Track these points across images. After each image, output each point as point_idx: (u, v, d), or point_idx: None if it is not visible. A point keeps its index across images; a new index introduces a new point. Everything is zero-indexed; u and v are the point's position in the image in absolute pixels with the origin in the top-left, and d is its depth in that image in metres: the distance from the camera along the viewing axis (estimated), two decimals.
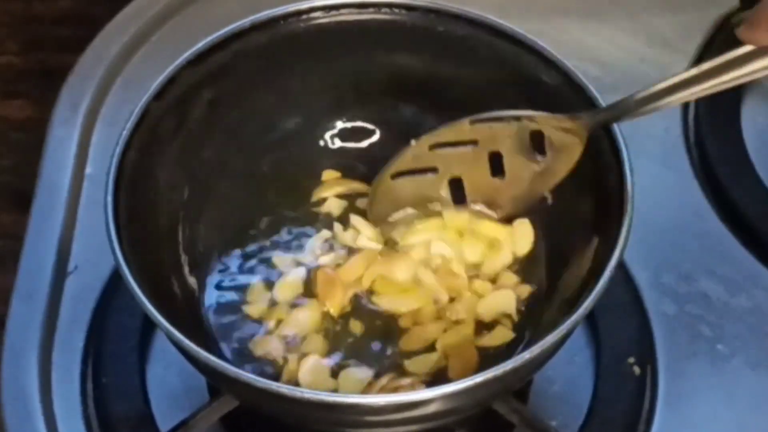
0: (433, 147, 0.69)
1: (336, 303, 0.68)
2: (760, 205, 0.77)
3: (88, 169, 0.82)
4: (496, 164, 0.69)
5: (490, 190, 0.70)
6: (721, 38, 0.87)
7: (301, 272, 0.69)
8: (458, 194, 0.70)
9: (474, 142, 0.69)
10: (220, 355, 0.66)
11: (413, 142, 0.69)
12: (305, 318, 0.68)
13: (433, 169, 0.70)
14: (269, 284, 0.69)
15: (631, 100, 0.64)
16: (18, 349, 0.72)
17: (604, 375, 0.71)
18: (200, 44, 0.68)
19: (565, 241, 0.68)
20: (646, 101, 0.63)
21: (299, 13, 0.70)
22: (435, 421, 0.61)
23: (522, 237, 0.70)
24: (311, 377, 0.65)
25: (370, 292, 0.69)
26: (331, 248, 0.71)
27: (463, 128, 0.68)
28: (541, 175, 0.68)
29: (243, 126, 0.71)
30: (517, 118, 0.67)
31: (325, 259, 0.70)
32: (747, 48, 0.61)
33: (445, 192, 0.70)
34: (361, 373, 0.66)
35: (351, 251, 0.70)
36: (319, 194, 0.73)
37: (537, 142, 0.67)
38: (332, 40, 0.71)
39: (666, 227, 0.78)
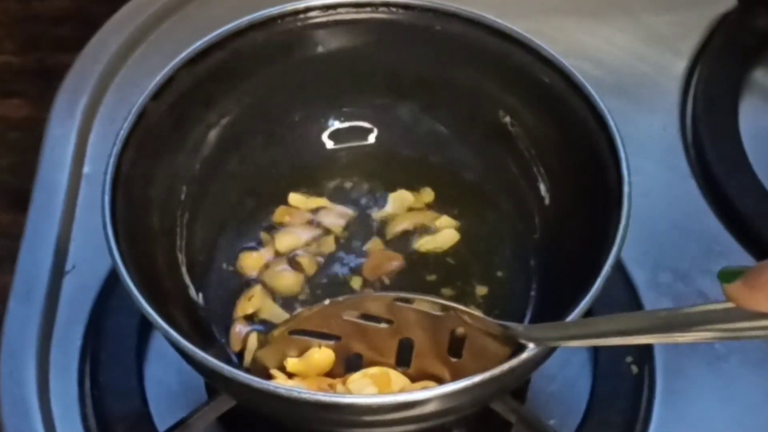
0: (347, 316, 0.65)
1: None
2: (757, 204, 0.77)
3: (85, 169, 0.82)
4: (405, 351, 0.65)
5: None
6: (718, 37, 0.87)
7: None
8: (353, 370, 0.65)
9: (389, 321, 0.64)
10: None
11: (327, 301, 0.65)
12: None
13: (336, 337, 0.65)
14: (266, 285, 0.70)
15: (572, 326, 0.58)
16: (16, 349, 0.72)
17: (601, 374, 0.71)
18: (198, 44, 0.68)
19: (561, 240, 0.68)
20: (589, 333, 0.58)
21: (296, 12, 0.70)
22: (432, 421, 0.61)
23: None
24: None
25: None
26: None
27: (383, 304, 0.64)
28: (451, 374, 0.63)
29: (240, 126, 0.71)
30: (446, 309, 0.63)
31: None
32: (724, 305, 0.50)
33: (340, 368, 0.65)
34: None
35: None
36: (280, 218, 0.72)
37: (455, 342, 0.63)
38: (330, 39, 0.71)
39: (663, 226, 0.78)
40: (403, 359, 0.65)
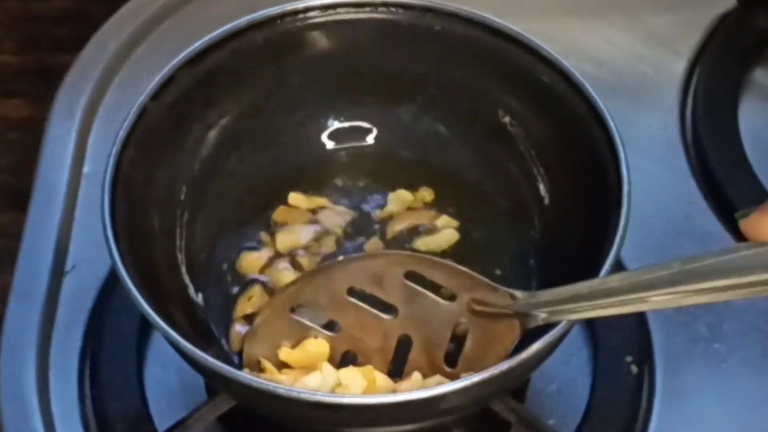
0: (352, 292, 0.64)
1: None
2: (757, 204, 0.77)
3: (85, 169, 0.82)
4: (399, 361, 0.63)
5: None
6: (718, 37, 0.87)
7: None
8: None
9: (395, 311, 0.64)
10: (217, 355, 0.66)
11: (341, 257, 0.65)
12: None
13: (335, 327, 0.64)
14: (266, 285, 0.70)
15: (580, 287, 0.57)
16: (15, 349, 0.72)
17: (601, 374, 0.71)
18: (197, 44, 0.68)
19: (561, 240, 0.68)
20: (600, 291, 0.56)
21: (296, 12, 0.70)
22: (432, 421, 0.61)
23: None
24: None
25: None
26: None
27: (395, 273, 0.63)
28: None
29: (240, 126, 0.71)
30: (452, 296, 0.62)
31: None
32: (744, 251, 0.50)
33: (332, 364, 0.63)
34: None
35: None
36: (280, 218, 0.72)
37: (453, 349, 0.62)
38: (329, 40, 0.71)
39: (663, 226, 0.78)
40: (396, 368, 0.63)
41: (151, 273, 0.64)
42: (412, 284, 0.64)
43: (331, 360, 0.64)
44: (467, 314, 0.63)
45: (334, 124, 0.74)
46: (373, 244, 0.71)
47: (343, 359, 0.65)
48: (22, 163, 0.85)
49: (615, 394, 0.70)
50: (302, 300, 0.65)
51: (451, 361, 0.63)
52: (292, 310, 0.66)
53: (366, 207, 0.73)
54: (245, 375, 0.58)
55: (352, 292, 0.65)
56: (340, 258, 0.65)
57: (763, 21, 0.87)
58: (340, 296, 0.64)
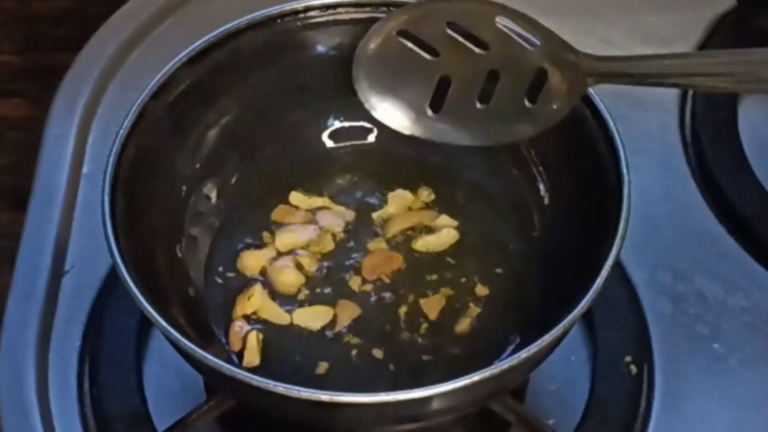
0: (451, 24, 0.68)
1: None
2: (756, 204, 0.77)
3: (84, 169, 0.82)
4: (487, 87, 0.68)
5: (471, 111, 0.68)
6: (717, 37, 0.87)
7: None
8: (438, 102, 0.69)
9: (486, 47, 0.67)
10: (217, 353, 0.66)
11: None
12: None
13: (435, 52, 0.68)
14: (266, 284, 0.70)
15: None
16: (15, 349, 0.72)
17: (600, 374, 0.71)
18: (197, 43, 0.69)
19: (561, 240, 0.68)
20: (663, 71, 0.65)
21: (296, 12, 0.70)
22: (432, 420, 0.61)
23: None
24: None
25: None
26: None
27: (488, 16, 0.67)
28: (525, 119, 0.68)
29: (240, 125, 0.71)
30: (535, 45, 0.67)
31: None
32: None
33: (429, 90, 0.69)
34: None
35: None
36: (279, 217, 0.72)
37: (534, 88, 0.67)
38: (329, 39, 0.71)
39: (663, 226, 0.78)
40: (481, 98, 0.68)
41: (151, 272, 0.64)
42: (501, 27, 0.67)
43: (428, 83, 0.68)
44: (549, 61, 0.67)
45: (335, 124, 0.74)
46: (374, 243, 0.71)
47: (439, 84, 0.68)
48: (21, 163, 0.85)
49: (614, 394, 0.70)
50: (407, 26, 0.68)
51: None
52: (399, 33, 0.68)
53: (366, 206, 0.73)
54: (245, 373, 0.58)
55: (450, 25, 0.67)
56: None
57: (763, 21, 0.87)
58: (440, 28, 0.67)
